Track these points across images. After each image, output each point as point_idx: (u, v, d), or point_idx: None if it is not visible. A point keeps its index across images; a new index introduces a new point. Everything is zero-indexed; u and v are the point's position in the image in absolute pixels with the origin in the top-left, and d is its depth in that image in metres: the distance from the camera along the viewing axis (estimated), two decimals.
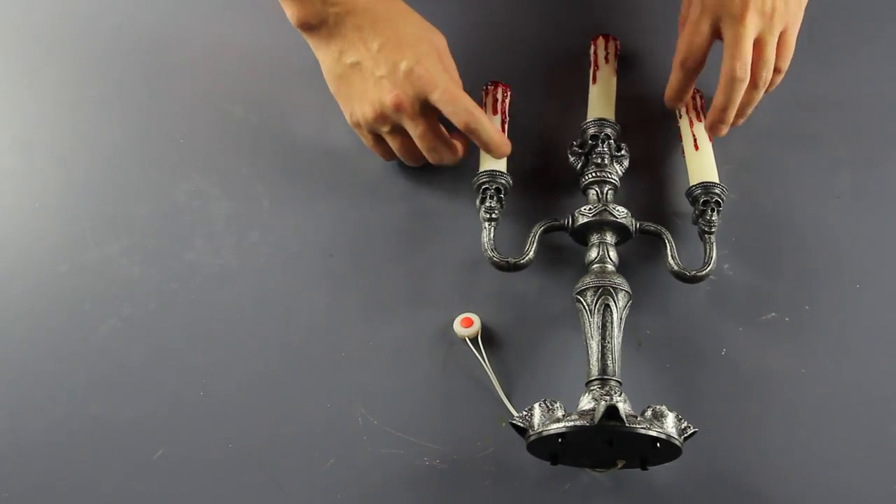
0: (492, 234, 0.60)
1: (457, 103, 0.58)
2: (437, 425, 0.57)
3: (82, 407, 0.59)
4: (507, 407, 0.56)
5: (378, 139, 0.63)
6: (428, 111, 0.59)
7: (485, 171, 0.61)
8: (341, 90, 0.62)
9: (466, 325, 0.59)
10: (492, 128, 0.60)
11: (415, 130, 0.60)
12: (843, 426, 0.56)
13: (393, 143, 0.62)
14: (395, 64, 0.58)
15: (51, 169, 0.69)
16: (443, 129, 0.62)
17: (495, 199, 0.61)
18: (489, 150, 0.60)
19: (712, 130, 0.62)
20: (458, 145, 0.63)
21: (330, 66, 0.61)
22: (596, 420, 0.48)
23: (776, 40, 0.60)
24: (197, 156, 0.69)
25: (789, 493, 0.54)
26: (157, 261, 0.64)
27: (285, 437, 0.57)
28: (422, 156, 0.63)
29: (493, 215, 0.61)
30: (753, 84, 0.60)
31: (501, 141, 0.60)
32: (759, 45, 0.59)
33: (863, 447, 0.56)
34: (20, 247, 0.66)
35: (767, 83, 0.61)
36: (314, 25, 0.59)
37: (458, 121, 0.58)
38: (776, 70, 0.62)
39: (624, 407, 0.50)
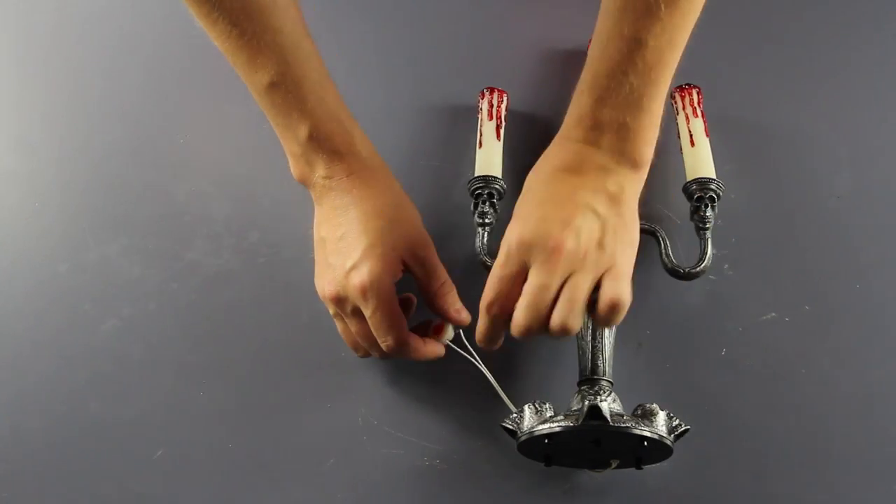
0: (485, 239, 0.60)
1: (382, 327, 0.54)
2: (437, 425, 0.57)
3: (82, 407, 0.59)
4: (508, 406, 0.56)
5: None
6: (360, 314, 0.55)
7: (479, 177, 0.62)
8: (316, 251, 0.58)
9: (437, 332, 0.57)
10: (421, 351, 0.56)
11: (350, 324, 0.56)
12: (843, 426, 0.56)
13: (336, 323, 0.58)
14: (344, 260, 0.54)
15: (51, 169, 0.69)
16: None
17: (488, 203, 0.61)
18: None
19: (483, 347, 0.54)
20: (392, 347, 0.55)
21: (315, 224, 0.59)
22: (580, 420, 0.49)
23: (587, 284, 0.49)
24: (197, 156, 0.69)
25: (789, 492, 0.54)
26: (157, 261, 0.64)
27: (285, 436, 0.57)
28: (358, 346, 0.58)
29: (487, 220, 0.61)
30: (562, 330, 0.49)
31: (433, 355, 0.57)
32: (568, 286, 0.49)
33: (863, 447, 0.56)
34: (20, 246, 0.66)
35: (574, 329, 0.49)
36: (306, 185, 0.57)
37: (382, 342, 0.54)
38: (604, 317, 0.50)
39: (609, 406, 0.50)
